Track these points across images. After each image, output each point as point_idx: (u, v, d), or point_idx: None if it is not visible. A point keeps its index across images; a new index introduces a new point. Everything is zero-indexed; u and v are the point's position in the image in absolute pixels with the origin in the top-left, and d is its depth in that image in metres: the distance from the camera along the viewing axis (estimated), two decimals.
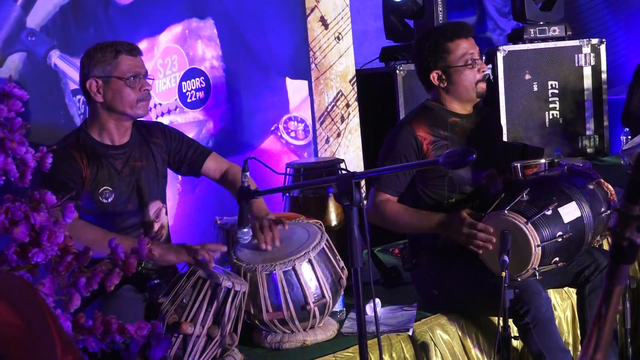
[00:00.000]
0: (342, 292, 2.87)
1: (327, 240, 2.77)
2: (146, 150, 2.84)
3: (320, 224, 2.95)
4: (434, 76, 3.00)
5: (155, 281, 2.77)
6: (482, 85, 3.03)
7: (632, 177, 0.87)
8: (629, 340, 2.93)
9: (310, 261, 2.68)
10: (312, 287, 2.69)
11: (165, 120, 3.85)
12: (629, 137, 4.51)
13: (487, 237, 2.72)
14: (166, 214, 2.92)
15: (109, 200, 2.71)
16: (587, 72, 4.93)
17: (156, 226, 2.83)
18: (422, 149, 2.96)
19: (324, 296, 2.71)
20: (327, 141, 4.43)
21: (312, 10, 4.36)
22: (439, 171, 2.96)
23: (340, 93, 4.46)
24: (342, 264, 2.79)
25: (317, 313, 2.71)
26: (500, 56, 4.80)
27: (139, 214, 2.79)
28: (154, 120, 3.82)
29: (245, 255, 2.73)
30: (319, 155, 4.38)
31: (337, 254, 2.80)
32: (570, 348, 3.22)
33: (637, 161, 0.88)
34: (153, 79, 2.80)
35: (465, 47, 3.00)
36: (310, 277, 2.69)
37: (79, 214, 2.62)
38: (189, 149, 2.94)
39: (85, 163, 2.68)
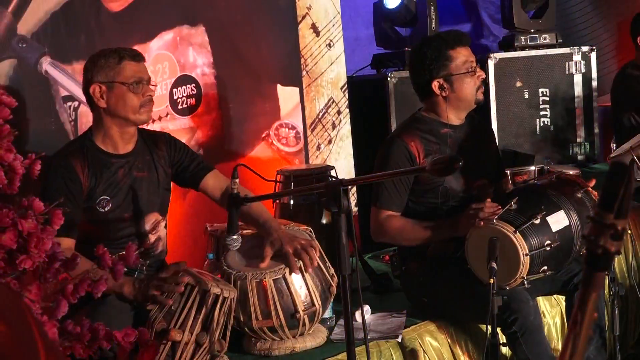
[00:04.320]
0: (332, 300, 2.88)
1: (318, 248, 2.77)
2: (149, 161, 2.83)
3: (311, 231, 2.95)
4: (435, 85, 3.00)
5: None
6: (481, 92, 3.05)
7: (605, 186, 0.88)
8: (618, 347, 2.95)
9: (300, 269, 2.68)
10: (302, 296, 2.69)
11: (156, 126, 3.85)
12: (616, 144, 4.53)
13: (493, 205, 2.77)
14: (165, 227, 2.90)
15: (106, 209, 2.70)
16: (578, 79, 4.95)
17: (152, 238, 2.82)
18: (416, 161, 2.96)
19: (313, 304, 2.71)
20: (319, 148, 4.44)
21: (304, 17, 4.37)
22: (432, 182, 2.97)
23: (332, 100, 4.47)
24: (332, 271, 2.80)
25: (307, 321, 2.71)
26: (491, 63, 4.82)
27: (135, 224, 2.77)
28: (146, 126, 3.83)
29: (235, 262, 2.74)
30: (310, 162, 4.38)
31: (327, 262, 2.81)
32: None
33: (610, 170, 0.89)
34: (156, 85, 2.80)
35: (466, 55, 3.02)
36: (300, 286, 2.69)
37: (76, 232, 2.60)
38: (192, 162, 2.92)
39: (86, 173, 2.67)
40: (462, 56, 3.00)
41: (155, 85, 2.80)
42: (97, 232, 2.66)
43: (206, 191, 2.95)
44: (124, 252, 1.91)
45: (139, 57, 2.75)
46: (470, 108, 3.09)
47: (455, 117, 3.08)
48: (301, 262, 2.67)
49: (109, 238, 2.65)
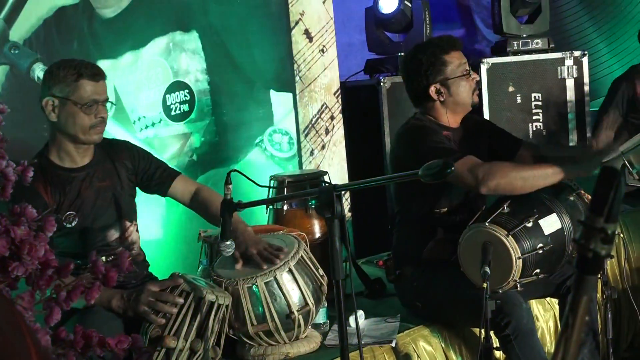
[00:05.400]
0: (325, 301, 2.88)
1: (304, 249, 2.78)
2: (110, 169, 2.79)
3: (304, 236, 2.96)
4: (432, 90, 3.01)
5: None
6: (476, 95, 3.07)
7: (595, 189, 0.89)
8: (611, 350, 2.95)
9: (290, 270, 2.69)
10: (295, 296, 2.70)
11: (149, 133, 3.86)
12: None
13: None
14: (137, 230, 2.88)
15: (73, 224, 2.66)
16: (570, 84, 4.96)
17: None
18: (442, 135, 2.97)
19: (307, 304, 2.71)
20: (312, 153, 4.45)
21: (297, 23, 4.38)
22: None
23: (325, 105, 4.48)
24: (321, 271, 2.80)
25: (302, 322, 2.71)
26: (483, 68, 4.83)
27: (104, 234, 2.75)
28: (140, 133, 3.83)
29: (225, 270, 2.73)
30: (304, 167, 4.39)
31: (316, 262, 2.82)
32: None
33: (601, 174, 0.90)
34: (114, 104, 2.76)
35: (460, 58, 3.04)
36: (292, 287, 2.70)
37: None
38: (158, 169, 2.90)
39: (50, 193, 2.63)
40: (456, 60, 3.02)
41: (114, 104, 2.76)
42: (67, 247, 2.64)
43: (175, 197, 2.94)
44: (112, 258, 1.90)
45: (98, 77, 2.67)
46: (466, 111, 3.11)
47: (452, 120, 3.09)
48: (291, 264, 2.67)
49: (80, 252, 2.61)
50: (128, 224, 2.82)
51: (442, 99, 3.03)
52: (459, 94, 3.02)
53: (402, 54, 4.73)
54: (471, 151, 3.04)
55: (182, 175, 2.97)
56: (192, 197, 2.92)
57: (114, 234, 2.78)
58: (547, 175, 2.78)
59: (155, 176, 2.89)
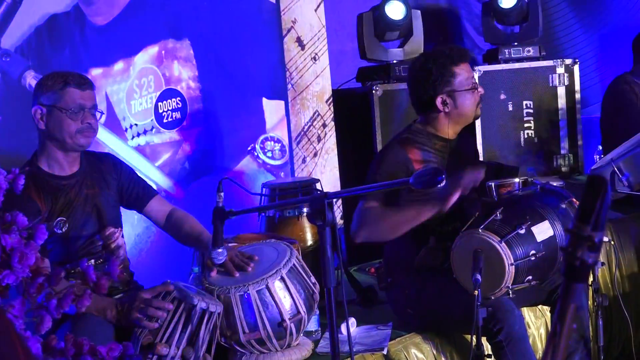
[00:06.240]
0: (317, 309, 2.88)
1: (296, 257, 2.78)
2: (98, 177, 2.84)
3: (296, 244, 2.95)
4: (438, 101, 3.01)
5: (120, 295, 2.76)
6: (479, 108, 3.08)
7: (583, 198, 0.89)
8: (603, 357, 2.96)
9: (282, 278, 2.69)
10: (287, 304, 2.70)
11: (141, 140, 3.86)
12: (602, 155, 4.56)
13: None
14: (123, 236, 2.91)
15: (63, 230, 2.70)
16: (561, 91, 4.98)
17: (109, 249, 2.83)
18: (412, 166, 2.96)
19: (299, 312, 2.71)
20: (304, 161, 4.45)
21: (289, 30, 4.39)
22: (424, 193, 2.96)
23: (317, 113, 4.49)
24: (313, 279, 2.80)
25: (294, 330, 2.71)
26: (475, 76, 4.84)
27: (91, 240, 2.78)
28: (131, 140, 3.83)
29: (217, 278, 2.73)
30: (296, 175, 4.39)
31: (308, 270, 2.82)
32: None
33: (588, 183, 0.90)
34: (102, 113, 2.80)
35: (468, 71, 3.04)
36: (284, 294, 2.69)
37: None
38: (137, 186, 2.95)
39: (42, 198, 2.67)
40: (465, 72, 3.03)
41: (102, 113, 2.80)
42: (55, 251, 2.66)
43: (150, 215, 2.99)
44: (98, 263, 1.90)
45: (85, 85, 2.73)
46: (468, 123, 3.12)
47: (452, 132, 3.09)
48: (283, 272, 2.67)
49: (67, 258, 2.65)
50: (114, 229, 2.86)
51: (446, 110, 3.02)
52: (464, 106, 3.02)
53: (395, 61, 4.74)
54: (463, 163, 3.05)
55: (159, 196, 3.03)
56: (167, 218, 2.98)
57: (100, 240, 2.81)
58: (413, 218, 2.86)
59: (134, 192, 2.94)
